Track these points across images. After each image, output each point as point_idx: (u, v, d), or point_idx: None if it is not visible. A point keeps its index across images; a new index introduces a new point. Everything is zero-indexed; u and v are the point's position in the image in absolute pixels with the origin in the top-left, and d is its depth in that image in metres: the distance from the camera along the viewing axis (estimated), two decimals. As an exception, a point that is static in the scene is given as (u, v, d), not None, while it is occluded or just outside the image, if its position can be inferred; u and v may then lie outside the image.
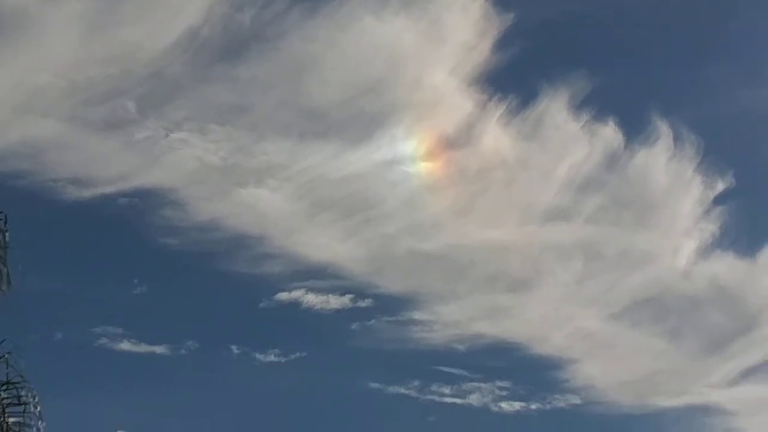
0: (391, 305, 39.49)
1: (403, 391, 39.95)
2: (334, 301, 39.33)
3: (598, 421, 40.39)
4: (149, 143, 40.06)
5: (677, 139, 39.91)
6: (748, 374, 40.28)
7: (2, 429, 16.95)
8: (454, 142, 39.86)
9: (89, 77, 39.88)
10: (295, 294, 39.70)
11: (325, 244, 39.59)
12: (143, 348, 38.59)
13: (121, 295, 39.96)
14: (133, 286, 40.16)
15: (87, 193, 39.57)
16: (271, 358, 39.74)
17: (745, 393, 40.06)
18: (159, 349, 40.21)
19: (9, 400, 16.91)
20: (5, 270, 16.92)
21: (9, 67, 40.72)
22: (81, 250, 39.94)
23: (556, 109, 39.98)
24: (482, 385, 39.95)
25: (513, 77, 39.46)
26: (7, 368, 16.69)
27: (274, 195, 39.43)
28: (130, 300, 40.28)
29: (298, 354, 39.46)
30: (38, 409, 17.10)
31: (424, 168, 39.90)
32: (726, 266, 40.77)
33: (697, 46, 42.91)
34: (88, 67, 39.94)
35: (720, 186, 39.98)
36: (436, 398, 39.82)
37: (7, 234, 16.92)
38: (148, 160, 39.93)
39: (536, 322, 40.80)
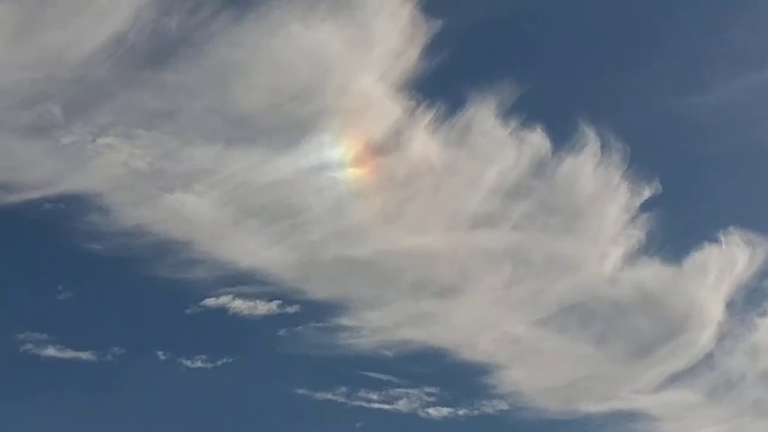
0: (319, 311, 38.85)
1: (330, 396, 38.70)
2: (262, 307, 38.47)
3: (524, 427, 39.64)
4: (75, 148, 38.47)
5: (604, 146, 39.49)
6: (673, 380, 39.55)
7: None
8: (382, 148, 39.49)
9: (14, 81, 38.09)
10: (222, 300, 38.51)
11: (252, 249, 38.98)
12: (69, 354, 37.17)
13: (46, 300, 38.64)
14: (58, 292, 38.79)
15: (11, 198, 37.76)
16: (198, 363, 38.38)
17: (670, 398, 39.54)
18: (85, 355, 37.75)
19: None
20: None
21: None
22: (4, 255, 38.41)
23: (483, 116, 39.26)
24: (410, 390, 38.64)
25: (441, 84, 38.78)
26: None
27: (200, 200, 39.00)
28: (55, 305, 38.76)
29: (224, 360, 38.47)
30: None
31: (351, 174, 39.69)
32: (652, 272, 40.16)
33: (624, 53, 42.48)
34: (12, 71, 38.10)
35: (646, 193, 39.78)
36: (364, 404, 38.55)
37: None
38: (74, 165, 38.40)
39: (463, 327, 39.82)
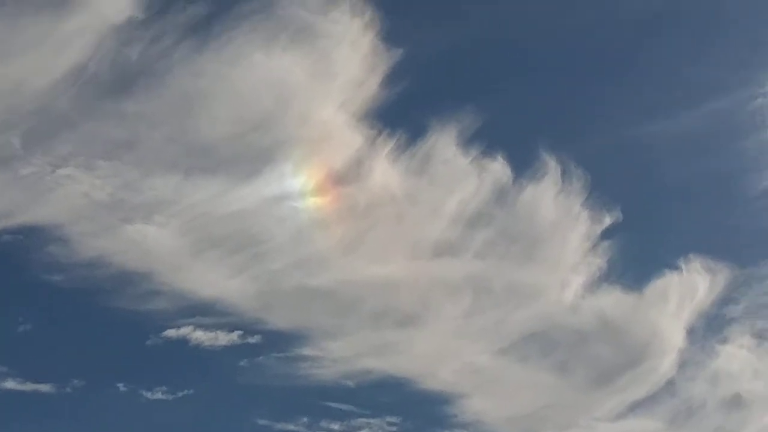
0: (280, 341, 39.04)
1: (291, 427, 38.84)
2: (223, 338, 38.62)
3: None
4: (35, 179, 38.43)
5: (565, 174, 39.57)
6: (634, 407, 39.86)
7: None
8: (343, 178, 39.54)
9: None
10: (183, 331, 38.71)
11: (213, 280, 38.98)
12: (28, 386, 36.94)
13: (5, 332, 38.80)
14: (17, 324, 38.94)
15: None
16: (159, 395, 38.42)
17: (631, 426, 40.09)
18: (44, 387, 37.35)
19: None
20: None
21: None
22: None
23: (444, 145, 39.42)
24: (371, 420, 38.84)
25: (402, 113, 38.80)
26: None
27: (161, 231, 39.01)
28: (15, 337, 38.90)
29: (186, 391, 38.55)
30: None
31: (312, 203, 39.72)
32: (613, 300, 40.33)
33: (584, 83, 42.46)
34: None
35: (607, 220, 39.93)
36: None
37: None
38: (33, 196, 38.40)
39: (425, 357, 39.95)
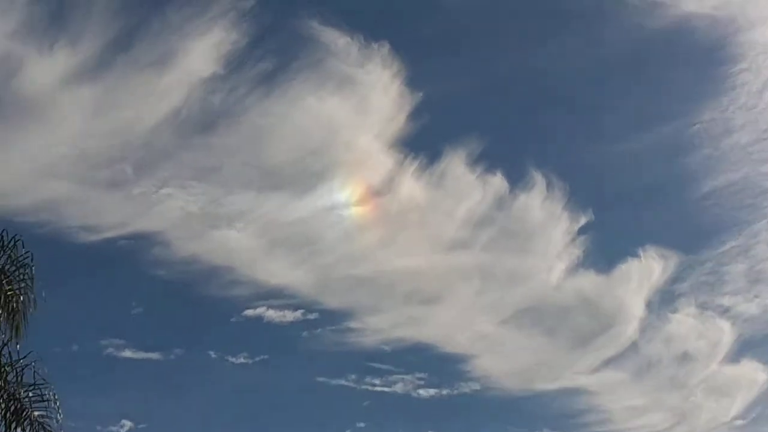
0: (333, 317, 42.10)
1: (343, 382, 41.72)
2: (289, 315, 41.75)
3: (493, 402, 43.09)
4: (143, 197, 40.77)
5: (549, 185, 41.62)
6: (607, 363, 42.62)
7: (30, 421, 19.38)
8: (378, 191, 42.46)
9: (95, 147, 40.53)
10: (259, 311, 41.09)
11: (280, 271, 42.13)
12: (140, 355, 40.13)
13: (122, 315, 42.05)
14: (131, 308, 42.35)
15: (94, 237, 39.80)
16: (241, 360, 41.36)
17: (604, 378, 42.61)
18: (153, 356, 40.50)
19: (34, 399, 19.37)
20: (32, 296, 19.05)
21: (32, 140, 39.15)
22: (91, 280, 41.35)
23: (456, 165, 41.78)
24: (404, 376, 41.28)
25: (423, 141, 40.86)
26: (33, 373, 19.26)
27: (240, 235, 42.11)
28: (129, 319, 41.61)
29: (262, 356, 42.31)
30: (57, 404, 19.67)
31: (355, 211, 42.83)
32: (588, 281, 42.99)
33: (563, 115, 44.82)
34: (94, 139, 40.67)
35: (582, 220, 42.32)
36: (369, 388, 41.41)
37: (33, 268, 19.13)
38: (141, 211, 40.88)
39: (444, 327, 43.36)
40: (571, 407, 41.86)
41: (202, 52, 39.57)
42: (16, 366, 19.02)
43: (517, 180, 41.92)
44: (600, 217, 42.67)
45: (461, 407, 42.06)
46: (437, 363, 42.06)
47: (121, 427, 38.83)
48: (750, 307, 42.31)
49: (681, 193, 44.96)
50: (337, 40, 39.74)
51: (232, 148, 41.99)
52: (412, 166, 41.67)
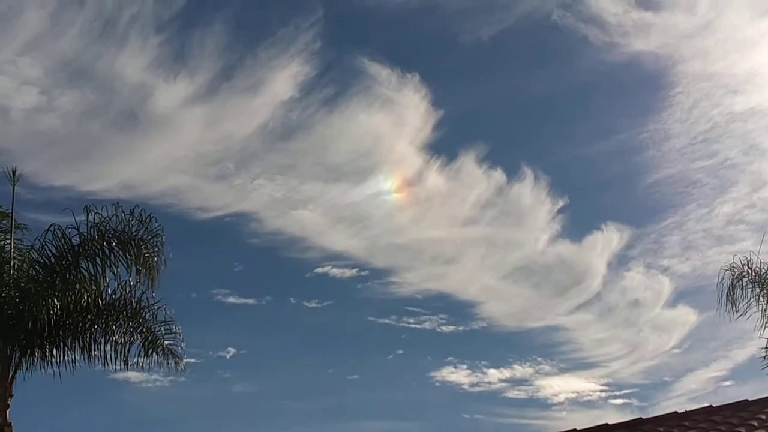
0: (379, 274, 43.02)
1: (386, 321, 42.98)
2: (347, 273, 42.62)
3: (496, 336, 43.46)
4: (241, 187, 42.16)
5: (536, 177, 41.93)
6: (578, 308, 43.21)
7: (162, 348, 19.93)
8: (411, 182, 42.52)
9: (206, 150, 41.61)
10: (326, 269, 42.51)
11: (341, 241, 42.92)
12: (241, 300, 41.52)
13: (228, 271, 43.45)
14: (234, 266, 43.98)
15: (206, 216, 41.39)
16: (313, 304, 42.70)
17: (577, 318, 42.96)
18: (250, 301, 41.96)
19: (165, 332, 20.14)
20: (162, 257, 19.48)
21: (161, 146, 40.75)
22: (204, 246, 42.84)
23: (468, 163, 42.12)
24: (431, 317, 42.26)
25: (443, 145, 41.85)
26: (164, 313, 20.14)
27: (312, 214, 42.72)
28: (233, 274, 43.39)
29: (328, 302, 43.07)
30: (181, 336, 20.20)
31: (394, 197, 43.03)
32: (565, 248, 43.45)
33: (547, 127, 45.69)
34: (205, 144, 41.71)
35: (560, 203, 42.63)
36: (405, 325, 42.60)
37: (163, 237, 19.59)
38: (240, 196, 42.23)
39: (460, 281, 43.76)
40: (552, 340, 43.14)
41: (284, 81, 40.77)
42: (152, 308, 20.19)
43: (512, 174, 42.91)
44: (573, 200, 43.54)
45: (472, 339, 43.45)
46: (455, 307, 43.39)
47: (227, 352, 40.46)
48: (683, 267, 43.53)
49: (632, 183, 45.66)
50: (381, 71, 40.78)
51: (304, 151, 43.14)
52: (435, 164, 42.37)
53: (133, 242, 19.39)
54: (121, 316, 19.85)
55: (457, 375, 41.03)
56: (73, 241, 19.53)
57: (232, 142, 41.52)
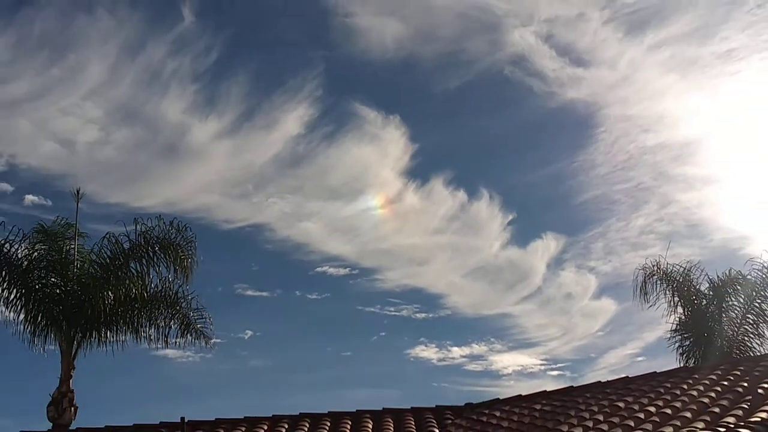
0: (367, 273, 42.65)
1: (372, 310, 42.69)
2: (342, 271, 41.98)
3: (458, 322, 43.10)
4: (258, 203, 41.97)
5: (491, 197, 41.50)
6: (524, 299, 42.72)
7: (195, 330, 20.01)
8: (392, 201, 41.87)
9: (231, 175, 41.49)
10: (324, 268, 41.90)
11: (336, 246, 42.37)
12: (257, 293, 41.26)
13: (247, 269, 42.75)
14: (251, 266, 43.47)
15: (230, 226, 40.85)
16: (314, 296, 42.50)
17: (522, 307, 42.42)
18: (264, 294, 41.60)
19: (197, 317, 20.04)
20: (195, 259, 19.75)
21: (196, 172, 40.53)
22: (228, 251, 42.22)
23: (438, 185, 41.60)
24: (407, 306, 41.81)
25: (419, 172, 41.29)
26: (196, 302, 20.35)
27: (314, 225, 42.57)
28: (251, 272, 42.93)
29: (326, 294, 42.74)
30: (210, 320, 20.64)
31: (380, 212, 42.40)
32: (513, 252, 42.73)
33: (500, 158, 45.84)
34: (231, 171, 41.52)
35: (510, 217, 41.94)
36: (387, 313, 42.17)
37: (195, 243, 19.93)
38: (257, 211, 42.00)
39: (431, 278, 43.17)
40: (503, 324, 43.29)
41: (293, 120, 41.27)
42: (187, 299, 20.66)
43: (472, 194, 42.99)
44: (520, 215, 43.59)
45: (440, 324, 43.56)
46: (426, 299, 43.36)
47: (245, 334, 40.60)
48: (606, 267, 43.85)
49: (566, 201, 45.57)
50: (369, 113, 41.33)
51: (309, 176, 43.19)
52: (412, 186, 42.22)
53: (171, 247, 20.17)
54: (162, 305, 20.37)
55: (428, 352, 41.73)
56: (124, 246, 20.55)
57: (251, 169, 42.18)
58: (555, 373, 41.68)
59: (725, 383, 15.63)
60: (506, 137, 45.47)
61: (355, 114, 41.29)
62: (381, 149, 42.23)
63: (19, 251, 20.15)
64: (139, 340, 20.43)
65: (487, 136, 44.72)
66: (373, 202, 42.74)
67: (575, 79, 41.06)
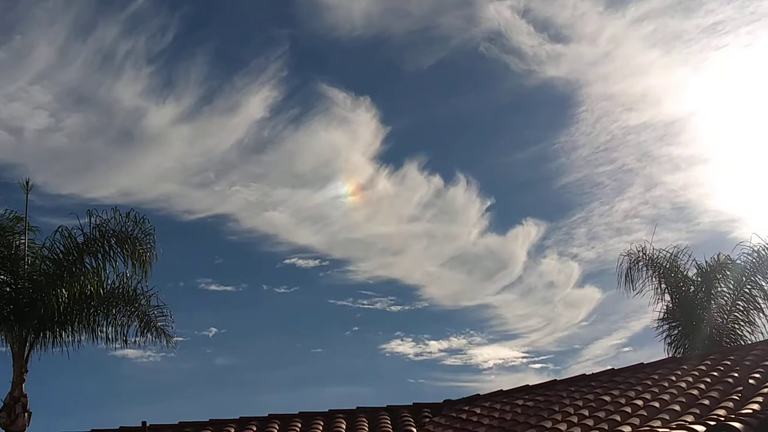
0: (338, 264, 42.47)
1: (344, 303, 42.58)
2: (311, 263, 41.80)
3: (436, 314, 43.39)
4: (221, 192, 41.66)
5: (468, 181, 41.23)
6: (504, 288, 42.77)
7: (155, 328, 19.77)
8: (364, 187, 41.81)
9: (191, 162, 40.81)
10: (293, 260, 41.71)
11: (306, 236, 41.98)
12: (221, 288, 40.79)
13: (210, 263, 42.49)
14: (215, 259, 43.03)
15: (191, 217, 40.39)
16: (282, 290, 42.21)
17: (503, 298, 42.34)
18: (229, 288, 41.10)
19: (157, 314, 19.89)
20: (154, 252, 19.55)
21: (153, 159, 39.99)
22: (190, 243, 41.50)
23: (412, 170, 41.51)
24: (382, 299, 41.74)
25: (391, 156, 41.38)
26: (156, 299, 20.14)
27: (281, 215, 42.46)
28: (214, 265, 42.45)
29: (295, 288, 42.56)
30: (171, 318, 20.31)
31: (350, 200, 42.23)
32: (492, 240, 42.66)
33: (476, 140, 44.93)
34: (190, 158, 40.85)
35: (488, 202, 41.82)
36: (360, 306, 42.09)
37: (154, 235, 19.76)
38: (220, 201, 41.62)
39: (406, 268, 43.13)
40: (482, 316, 43.36)
41: (256, 103, 40.79)
42: (146, 295, 20.43)
43: (448, 179, 43.05)
44: (499, 200, 43.37)
45: (416, 317, 43.59)
46: (401, 290, 43.49)
47: (210, 331, 40.23)
48: (589, 254, 43.68)
49: (547, 185, 45.50)
50: (338, 95, 40.82)
51: (274, 162, 43.14)
52: (384, 172, 42.12)
53: (129, 240, 19.78)
54: (119, 302, 20.13)
55: (404, 347, 41.39)
56: (78, 240, 20.11)
57: (213, 155, 41.48)
58: (538, 366, 41.57)
59: (715, 374, 15.43)
60: (483, 118, 45.37)
61: (322, 95, 41.05)
62: (351, 133, 42.07)
63: (-36, 248, 19.99)
64: (96, 339, 20.23)
65: (463, 117, 44.61)
66: (344, 189, 42.62)
67: (554, 56, 40.82)
